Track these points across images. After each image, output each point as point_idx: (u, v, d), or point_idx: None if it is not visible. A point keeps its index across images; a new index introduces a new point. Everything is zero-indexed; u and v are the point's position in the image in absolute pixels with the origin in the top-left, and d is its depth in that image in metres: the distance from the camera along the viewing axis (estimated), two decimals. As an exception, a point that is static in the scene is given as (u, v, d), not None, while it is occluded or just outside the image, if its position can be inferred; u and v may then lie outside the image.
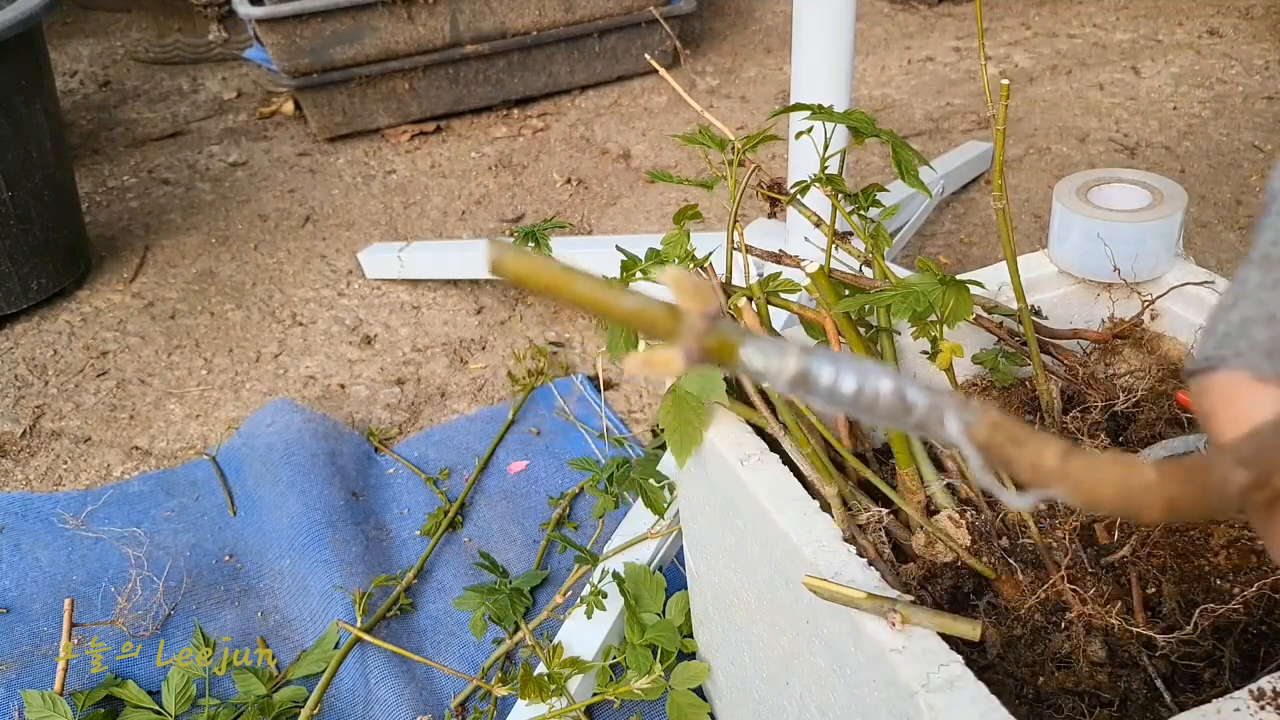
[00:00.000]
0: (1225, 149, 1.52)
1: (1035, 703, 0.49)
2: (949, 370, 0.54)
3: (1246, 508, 0.24)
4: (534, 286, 0.18)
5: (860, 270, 0.61)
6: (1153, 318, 0.64)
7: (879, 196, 0.59)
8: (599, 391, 1.14)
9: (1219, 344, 0.27)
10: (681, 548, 0.75)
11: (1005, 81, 0.51)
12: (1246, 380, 0.26)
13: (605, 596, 0.82)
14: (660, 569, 0.86)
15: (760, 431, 0.56)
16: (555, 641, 0.80)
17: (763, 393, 0.56)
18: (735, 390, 0.58)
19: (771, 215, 1.22)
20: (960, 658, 0.42)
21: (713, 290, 0.20)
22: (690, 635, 0.79)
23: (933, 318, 0.51)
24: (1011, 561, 0.52)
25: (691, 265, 0.58)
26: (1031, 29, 2.01)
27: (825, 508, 0.51)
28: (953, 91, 1.79)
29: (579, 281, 0.19)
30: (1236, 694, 0.39)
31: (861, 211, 0.58)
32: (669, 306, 0.20)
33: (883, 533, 0.54)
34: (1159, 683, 0.47)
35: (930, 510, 0.56)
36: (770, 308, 0.59)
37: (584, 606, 0.82)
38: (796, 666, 0.54)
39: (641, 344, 0.58)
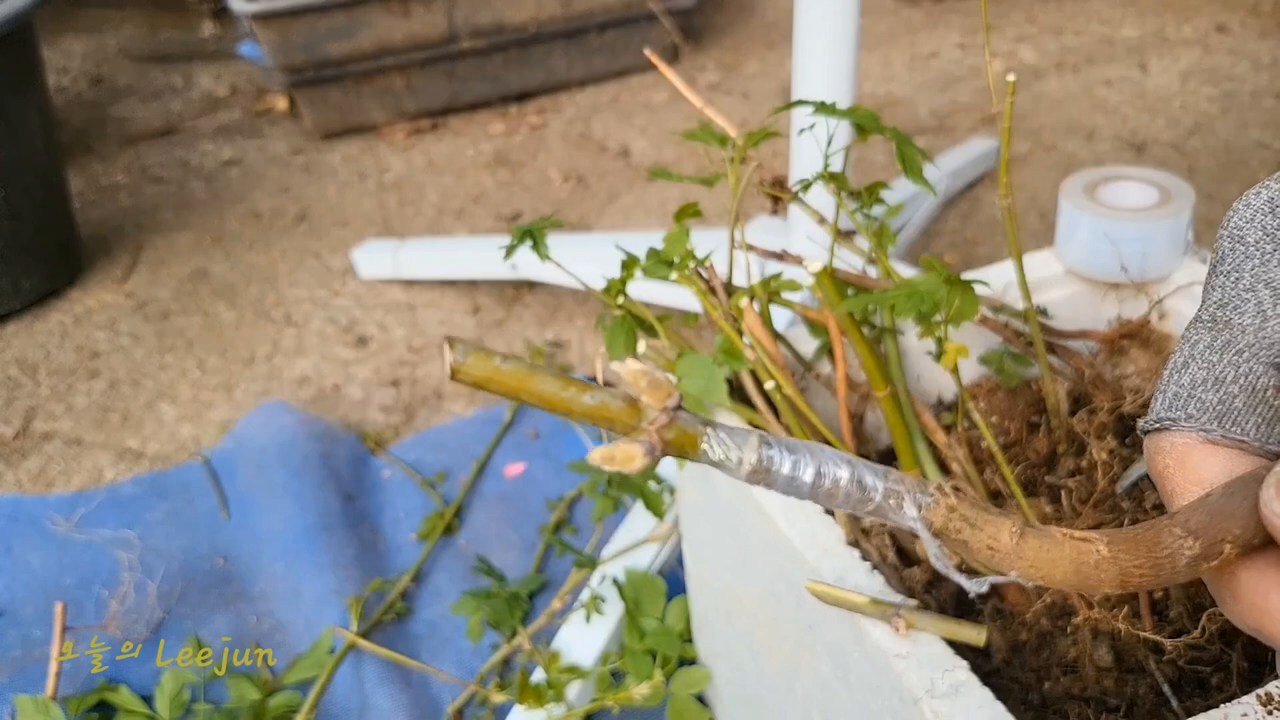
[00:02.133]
0: (1233, 146, 1.51)
1: (1041, 708, 0.48)
2: (954, 371, 0.53)
3: (1200, 575, 0.24)
4: (496, 389, 0.19)
5: (864, 269, 0.60)
6: (1160, 317, 0.63)
7: (883, 194, 0.58)
8: (597, 391, 1.13)
9: (1169, 406, 0.28)
10: (681, 552, 0.74)
11: (1011, 78, 0.49)
12: (1198, 443, 0.27)
13: (604, 601, 0.81)
14: (660, 573, 0.85)
15: (761, 434, 0.55)
16: (553, 647, 0.79)
17: (765, 394, 0.55)
18: (737, 392, 0.57)
19: (773, 213, 1.21)
20: (965, 663, 0.42)
21: (670, 384, 0.20)
22: (690, 641, 0.78)
23: (938, 318, 0.50)
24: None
25: (692, 264, 0.57)
26: (1038, 25, 2.00)
27: (829, 511, 0.50)
28: (958, 88, 1.78)
29: (540, 382, 0.20)
30: (1244, 699, 0.38)
31: (865, 209, 0.57)
32: (629, 401, 0.20)
33: (887, 537, 0.53)
34: (1166, 688, 0.47)
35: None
36: (772, 307, 0.58)
37: (582, 611, 0.81)
38: (799, 672, 0.53)
39: (641, 345, 0.57)
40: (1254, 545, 0.23)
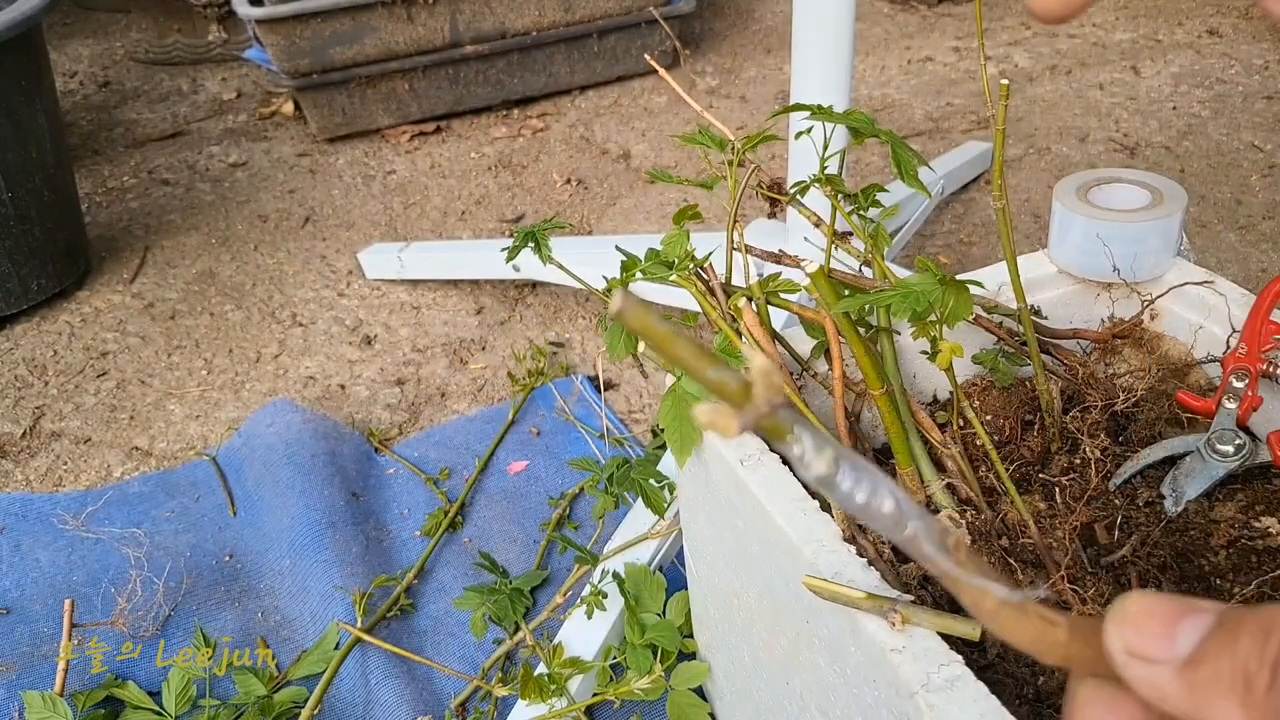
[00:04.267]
0: (1225, 149, 1.52)
1: (1035, 702, 0.49)
2: (949, 370, 0.54)
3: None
4: (646, 338, 0.23)
5: (860, 270, 0.61)
6: (1153, 317, 0.64)
7: (879, 196, 0.59)
8: (599, 392, 1.14)
9: None
10: (681, 548, 0.75)
11: (1005, 81, 0.51)
12: None
13: (605, 597, 0.82)
14: (660, 569, 0.86)
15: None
16: (555, 642, 0.80)
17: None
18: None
19: (771, 215, 1.22)
20: (960, 658, 0.42)
21: (781, 388, 0.23)
22: (690, 635, 0.79)
23: (932, 318, 0.51)
24: (1011, 561, 0.52)
25: (691, 265, 0.58)
26: (1031, 29, 2.01)
27: (825, 507, 0.51)
28: (952, 91, 1.79)
29: (681, 345, 0.23)
30: None
31: (861, 211, 0.58)
32: (745, 383, 0.23)
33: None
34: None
35: (930, 510, 0.56)
36: (770, 307, 0.59)
37: (584, 607, 0.82)
38: (796, 666, 0.54)
39: (641, 344, 0.58)
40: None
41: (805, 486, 0.52)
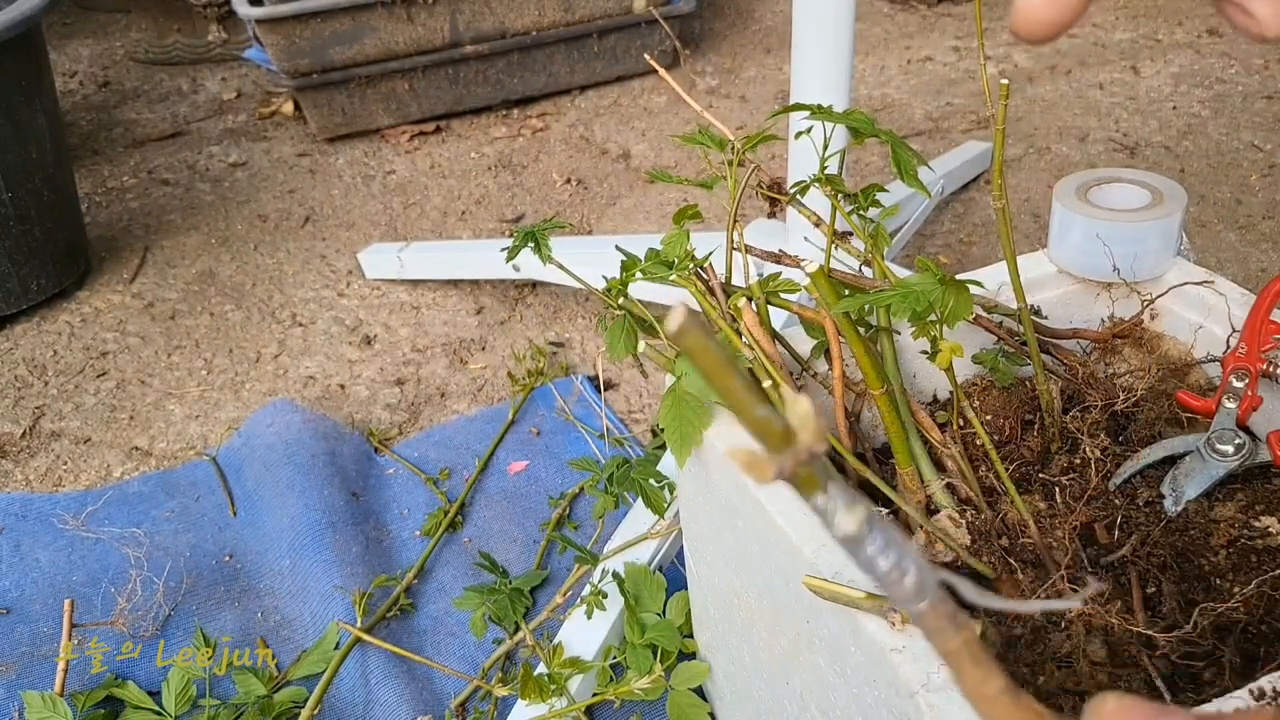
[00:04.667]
0: (1225, 148, 1.52)
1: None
2: (949, 370, 0.54)
3: None
4: (697, 361, 0.22)
5: (860, 270, 0.61)
6: (1152, 317, 0.64)
7: (878, 196, 0.59)
8: (599, 392, 1.14)
9: None
10: (681, 547, 0.75)
11: (1005, 81, 0.51)
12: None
13: (605, 596, 0.82)
14: (660, 569, 0.86)
15: (760, 431, 0.56)
16: (555, 641, 0.80)
17: (763, 393, 0.56)
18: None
19: (771, 215, 1.22)
20: (960, 658, 0.42)
21: (823, 437, 0.23)
22: (690, 635, 0.79)
23: (932, 317, 0.51)
24: (1011, 561, 0.52)
25: (691, 265, 0.58)
26: (1031, 29, 2.01)
27: (825, 507, 0.51)
28: (952, 91, 1.79)
29: (729, 377, 0.22)
30: (1237, 693, 0.39)
31: (861, 211, 0.58)
32: (788, 429, 0.23)
33: (883, 532, 0.54)
34: (1159, 682, 0.47)
35: (930, 510, 0.56)
36: (770, 307, 0.59)
37: (584, 606, 0.82)
38: (797, 666, 0.54)
39: (641, 344, 0.58)
40: None
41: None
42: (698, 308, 0.60)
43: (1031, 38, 0.29)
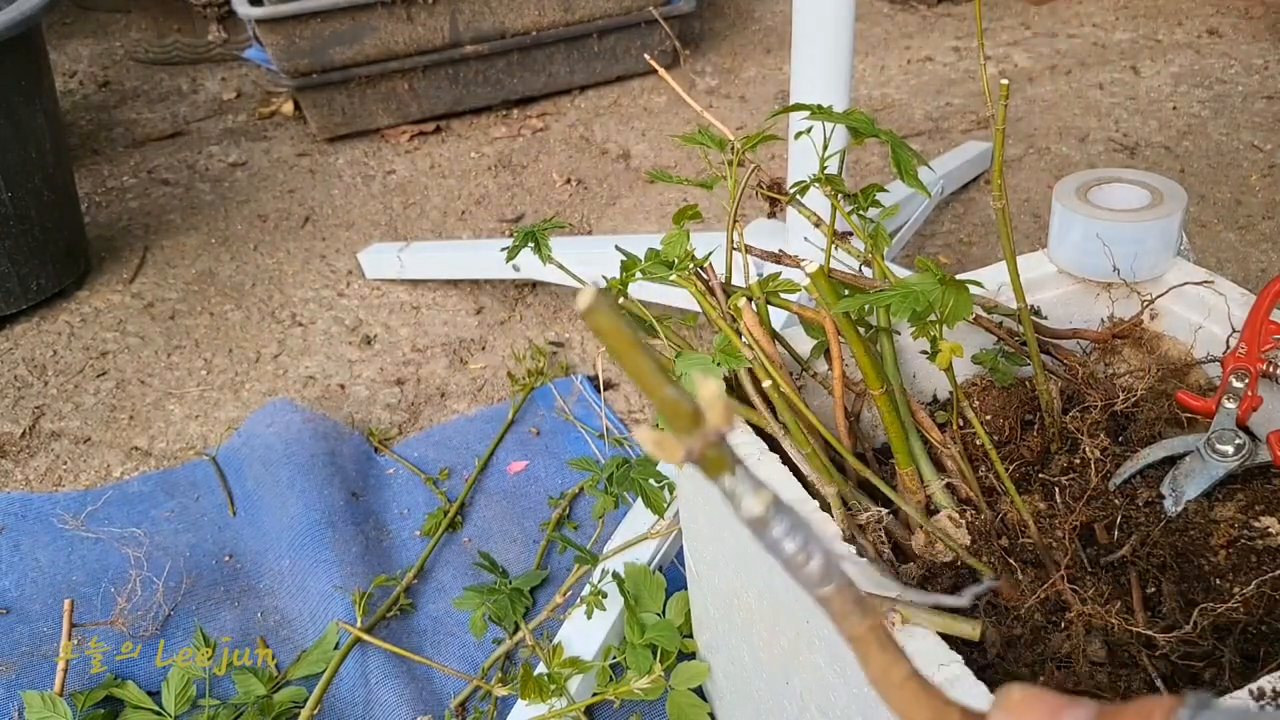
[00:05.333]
0: (1225, 149, 1.52)
1: (1035, 702, 0.49)
2: (949, 370, 0.54)
3: None
4: (607, 341, 0.22)
5: (860, 270, 0.61)
6: (1152, 317, 0.64)
7: (878, 196, 0.59)
8: (598, 391, 1.14)
9: None
10: (681, 548, 0.75)
11: (1005, 81, 0.51)
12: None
13: (605, 596, 0.82)
14: (660, 569, 0.86)
15: (760, 431, 0.56)
16: (555, 641, 0.80)
17: (762, 393, 0.56)
18: (735, 390, 0.58)
19: (771, 215, 1.23)
20: (960, 657, 0.42)
21: (732, 419, 0.24)
22: (690, 635, 0.79)
23: (932, 317, 0.51)
24: (1011, 561, 0.52)
25: (691, 265, 0.58)
26: (1031, 29, 2.02)
27: (825, 507, 0.51)
28: (952, 91, 1.79)
29: (639, 358, 0.22)
30: (1236, 693, 0.39)
31: (861, 211, 0.58)
32: (696, 410, 0.23)
33: (882, 532, 0.54)
34: (1159, 682, 0.47)
35: (930, 510, 0.56)
36: (770, 307, 0.59)
37: (584, 606, 0.82)
38: (796, 666, 0.54)
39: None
40: None
41: (805, 486, 0.52)
42: (697, 307, 0.60)
43: None
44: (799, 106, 0.59)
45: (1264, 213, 1.37)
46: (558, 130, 1.77)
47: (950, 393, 0.61)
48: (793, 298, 0.59)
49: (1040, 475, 0.58)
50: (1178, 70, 1.77)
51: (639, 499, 0.87)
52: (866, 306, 0.55)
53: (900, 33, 2.06)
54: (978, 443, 0.59)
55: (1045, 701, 0.25)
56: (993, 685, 0.41)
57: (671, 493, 0.88)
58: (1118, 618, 0.48)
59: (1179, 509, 0.54)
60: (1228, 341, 0.60)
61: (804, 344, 0.62)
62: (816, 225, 0.62)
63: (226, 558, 0.96)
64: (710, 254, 0.59)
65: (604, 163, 1.65)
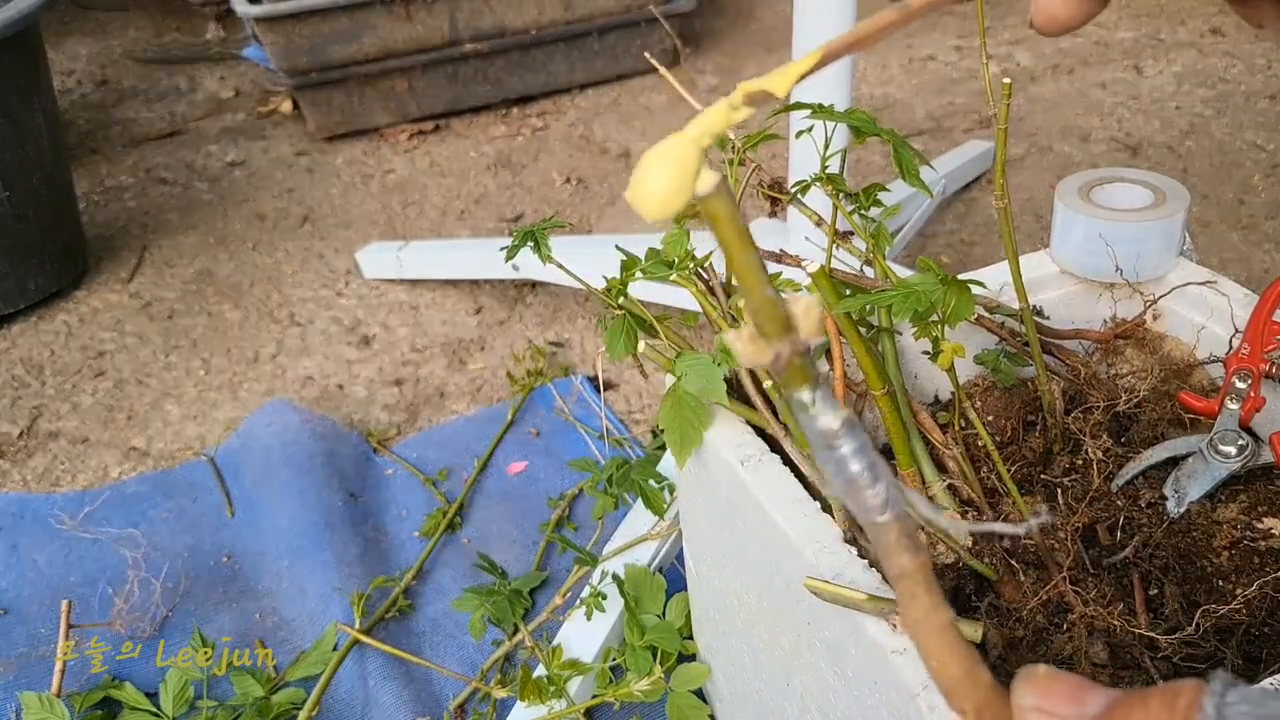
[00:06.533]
0: (1228, 148, 1.52)
1: (1037, 705, 0.48)
2: (950, 370, 0.54)
3: None
4: (719, 230, 0.21)
5: (861, 270, 0.61)
6: (1155, 317, 0.64)
7: (880, 196, 0.58)
8: (598, 392, 1.13)
9: None
10: (681, 549, 0.75)
11: (1007, 80, 0.50)
12: None
13: (605, 598, 0.81)
14: (660, 570, 0.85)
15: (761, 432, 0.56)
16: (554, 643, 0.80)
17: (764, 393, 0.56)
18: (735, 390, 0.58)
19: (772, 215, 1.22)
20: (962, 660, 0.42)
21: (823, 330, 0.23)
22: (690, 637, 0.79)
23: (934, 318, 0.51)
24: (1013, 562, 0.52)
25: (691, 265, 0.57)
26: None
27: (826, 509, 0.51)
28: (954, 90, 1.79)
29: (747, 254, 0.22)
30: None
31: (862, 211, 0.58)
32: (789, 316, 0.22)
33: (884, 534, 0.53)
34: (1161, 684, 0.47)
35: (931, 511, 0.56)
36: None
37: (583, 608, 0.81)
38: (797, 668, 0.54)
39: (641, 344, 0.58)
40: None
41: (806, 487, 0.52)
42: (697, 307, 0.60)
43: (1048, 33, 0.32)
44: (800, 105, 0.59)
45: (1267, 212, 1.36)
46: (557, 129, 1.77)
47: (952, 393, 0.60)
48: (793, 298, 0.58)
49: (1042, 476, 0.58)
50: (1180, 69, 1.77)
51: (639, 500, 0.87)
52: (868, 306, 0.55)
53: (902, 31, 2.06)
54: (979, 443, 0.58)
55: (1067, 682, 0.26)
56: (995, 688, 0.41)
57: (671, 494, 0.88)
58: (1120, 619, 0.48)
59: (1181, 510, 0.54)
60: (1231, 342, 0.60)
61: (805, 344, 0.61)
62: (818, 225, 0.62)
63: (225, 558, 0.96)
64: (710, 253, 0.59)
65: (604, 162, 1.65)
